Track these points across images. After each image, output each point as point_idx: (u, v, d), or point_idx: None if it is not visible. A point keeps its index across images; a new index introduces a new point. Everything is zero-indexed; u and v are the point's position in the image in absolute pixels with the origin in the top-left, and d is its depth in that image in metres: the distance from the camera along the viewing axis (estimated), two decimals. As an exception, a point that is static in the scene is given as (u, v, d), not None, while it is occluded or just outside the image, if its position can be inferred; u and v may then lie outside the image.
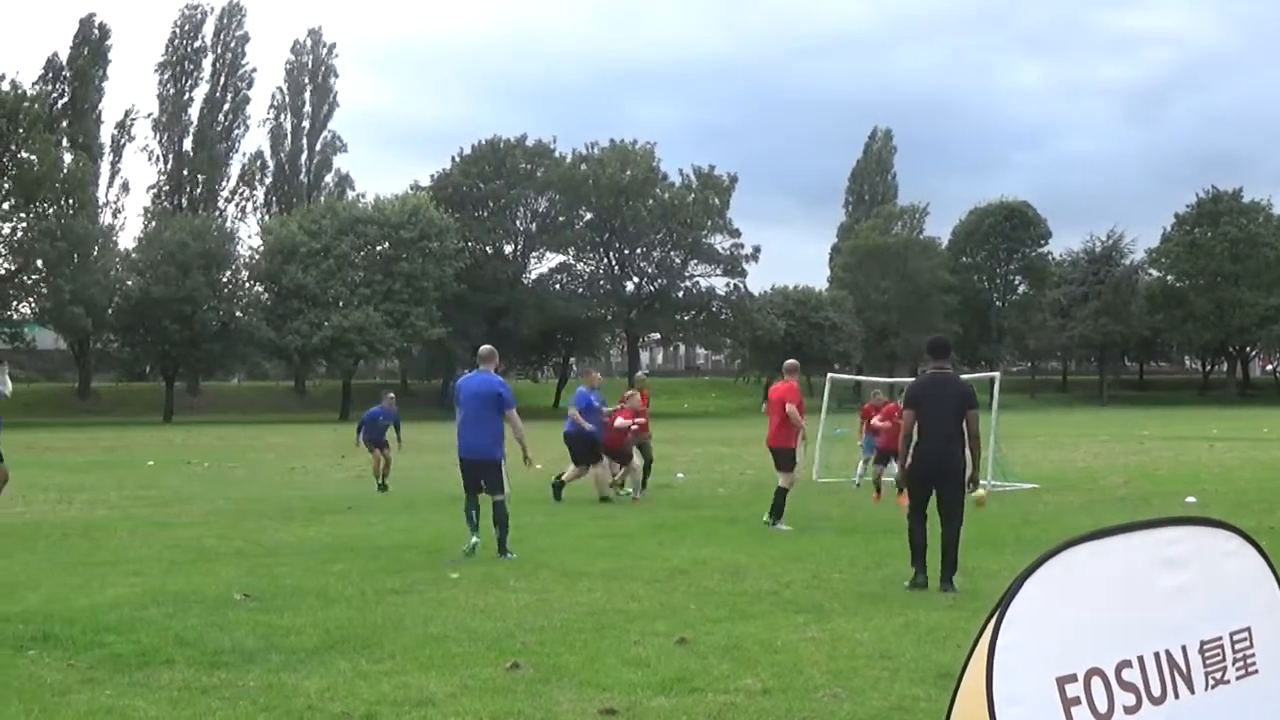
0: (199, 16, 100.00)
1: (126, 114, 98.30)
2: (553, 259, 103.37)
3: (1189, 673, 4.62)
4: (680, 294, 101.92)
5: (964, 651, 4.42)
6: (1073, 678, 4.29)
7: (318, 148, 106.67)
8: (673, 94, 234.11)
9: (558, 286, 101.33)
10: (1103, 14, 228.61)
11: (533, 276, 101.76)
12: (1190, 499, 20.82)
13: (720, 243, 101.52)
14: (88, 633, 9.82)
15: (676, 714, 7.47)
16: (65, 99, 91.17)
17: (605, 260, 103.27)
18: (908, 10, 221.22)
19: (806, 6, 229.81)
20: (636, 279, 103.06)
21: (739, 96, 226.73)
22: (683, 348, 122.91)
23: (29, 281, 78.73)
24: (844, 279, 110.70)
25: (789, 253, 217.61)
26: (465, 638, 9.69)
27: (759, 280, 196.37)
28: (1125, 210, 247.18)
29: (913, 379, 12.41)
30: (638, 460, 22.46)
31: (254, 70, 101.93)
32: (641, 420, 22.75)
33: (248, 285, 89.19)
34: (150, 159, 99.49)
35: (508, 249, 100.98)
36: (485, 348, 15.90)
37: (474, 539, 14.62)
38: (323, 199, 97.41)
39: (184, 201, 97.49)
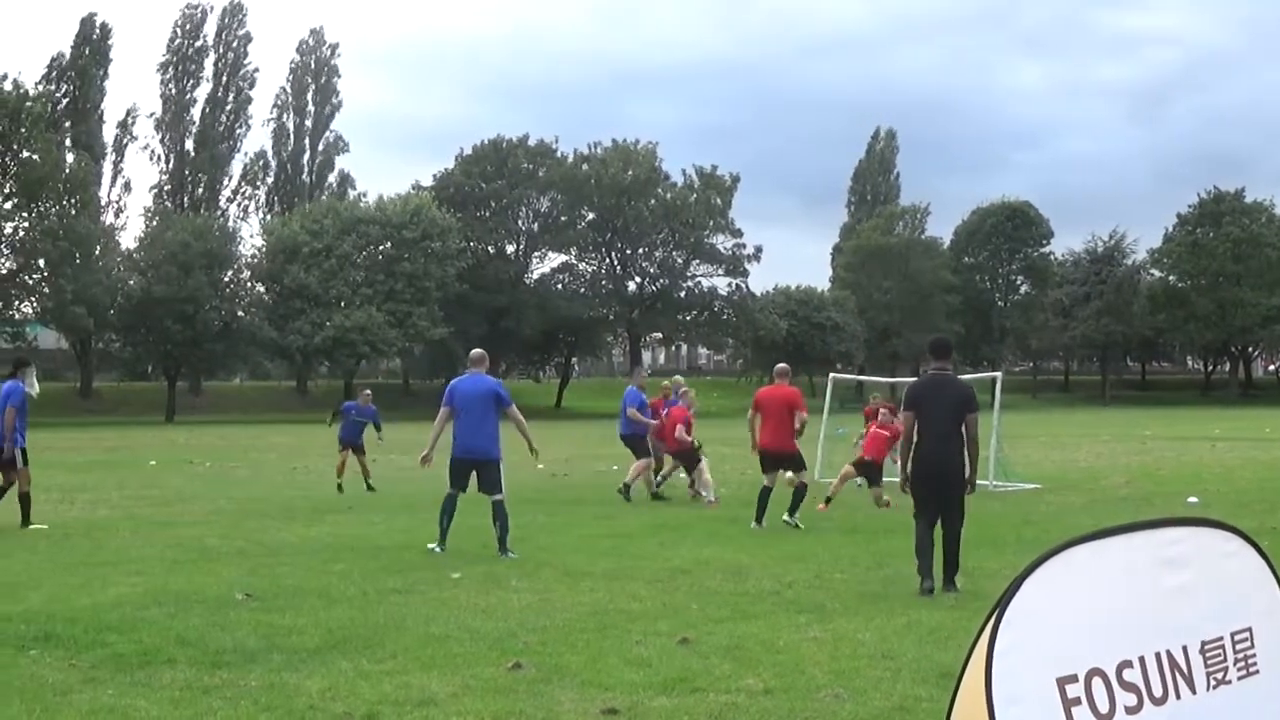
0: (199, 16, 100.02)
1: (128, 113, 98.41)
2: (555, 259, 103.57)
3: (1190, 673, 4.62)
4: (682, 294, 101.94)
5: (966, 652, 4.42)
6: (1073, 678, 4.29)
7: (320, 148, 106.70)
8: (675, 94, 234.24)
9: (560, 286, 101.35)
10: (1103, 14, 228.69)
11: (535, 276, 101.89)
12: (1192, 499, 20.82)
13: (722, 243, 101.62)
14: (89, 632, 9.82)
15: (678, 714, 7.48)
16: (67, 99, 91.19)
17: (607, 260, 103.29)
18: (909, 10, 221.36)
19: (808, 6, 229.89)
20: (638, 279, 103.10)
21: (741, 96, 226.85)
22: (685, 348, 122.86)
23: (31, 281, 78.74)
24: (846, 279, 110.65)
25: (791, 253, 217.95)
26: (467, 637, 9.69)
27: (761, 280, 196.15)
28: (1127, 210, 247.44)
29: (912, 379, 12.29)
30: (705, 463, 22.46)
31: (256, 70, 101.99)
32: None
33: (249, 285, 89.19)
34: (152, 159, 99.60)
35: (510, 249, 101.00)
36: (477, 351, 16.23)
37: (438, 548, 14.87)
38: (324, 199, 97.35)
39: (186, 201, 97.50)
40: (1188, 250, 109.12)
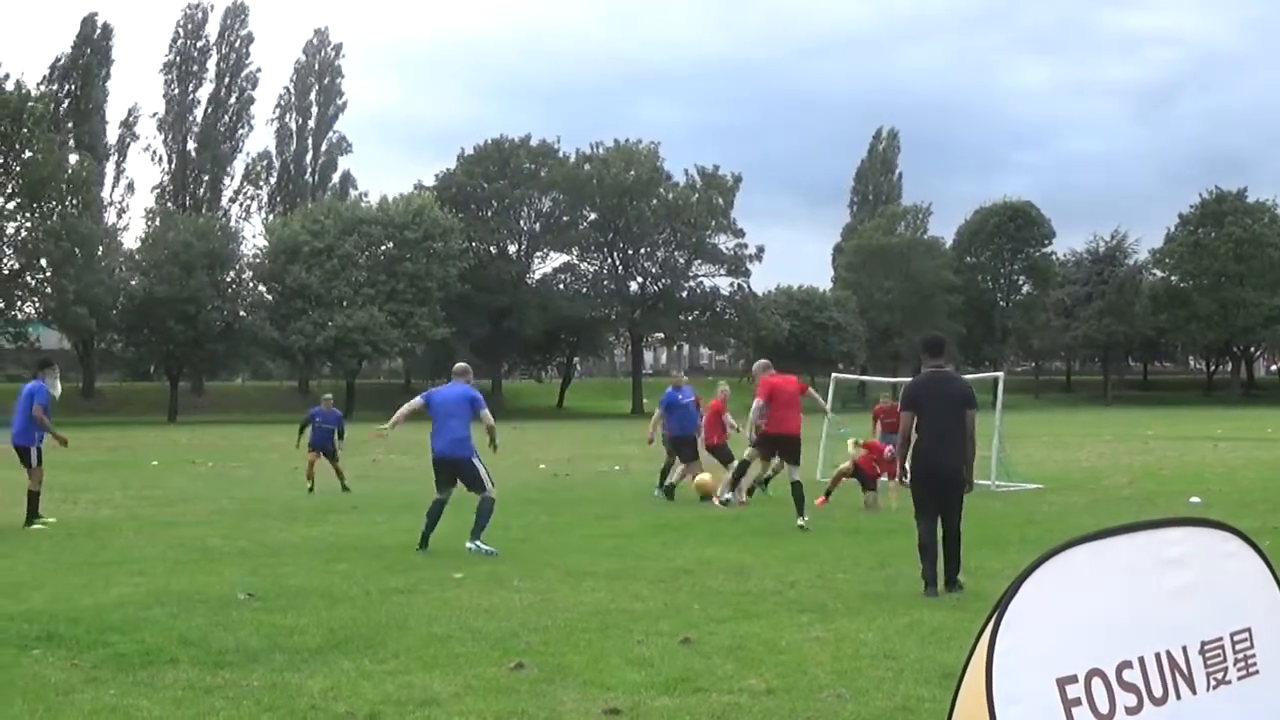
0: (201, 16, 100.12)
1: (130, 113, 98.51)
2: (557, 259, 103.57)
3: (1190, 673, 4.63)
4: (684, 294, 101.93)
5: (967, 652, 4.43)
6: (1073, 678, 4.30)
7: (323, 148, 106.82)
8: (678, 94, 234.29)
9: (561, 286, 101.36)
10: (1107, 14, 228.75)
11: (537, 276, 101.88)
12: (1194, 499, 20.81)
13: (724, 243, 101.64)
14: (92, 632, 9.83)
15: (680, 714, 7.48)
16: (69, 99, 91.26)
17: (609, 260, 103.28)
18: (913, 10, 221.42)
19: (812, 6, 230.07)
20: (640, 279, 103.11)
21: (744, 97, 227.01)
22: (687, 348, 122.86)
23: (33, 281, 78.77)
24: (848, 279, 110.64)
25: (793, 253, 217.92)
26: (469, 637, 9.70)
27: (763, 280, 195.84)
28: (1130, 210, 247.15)
29: (908, 379, 12.20)
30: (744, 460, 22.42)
31: (259, 71, 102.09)
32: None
33: (251, 285, 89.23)
34: (154, 159, 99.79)
35: (512, 249, 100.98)
36: (460, 365, 16.55)
37: (420, 549, 15.01)
38: (326, 199, 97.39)
39: (188, 201, 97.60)
40: (1190, 250, 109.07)
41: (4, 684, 8.21)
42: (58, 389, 19.19)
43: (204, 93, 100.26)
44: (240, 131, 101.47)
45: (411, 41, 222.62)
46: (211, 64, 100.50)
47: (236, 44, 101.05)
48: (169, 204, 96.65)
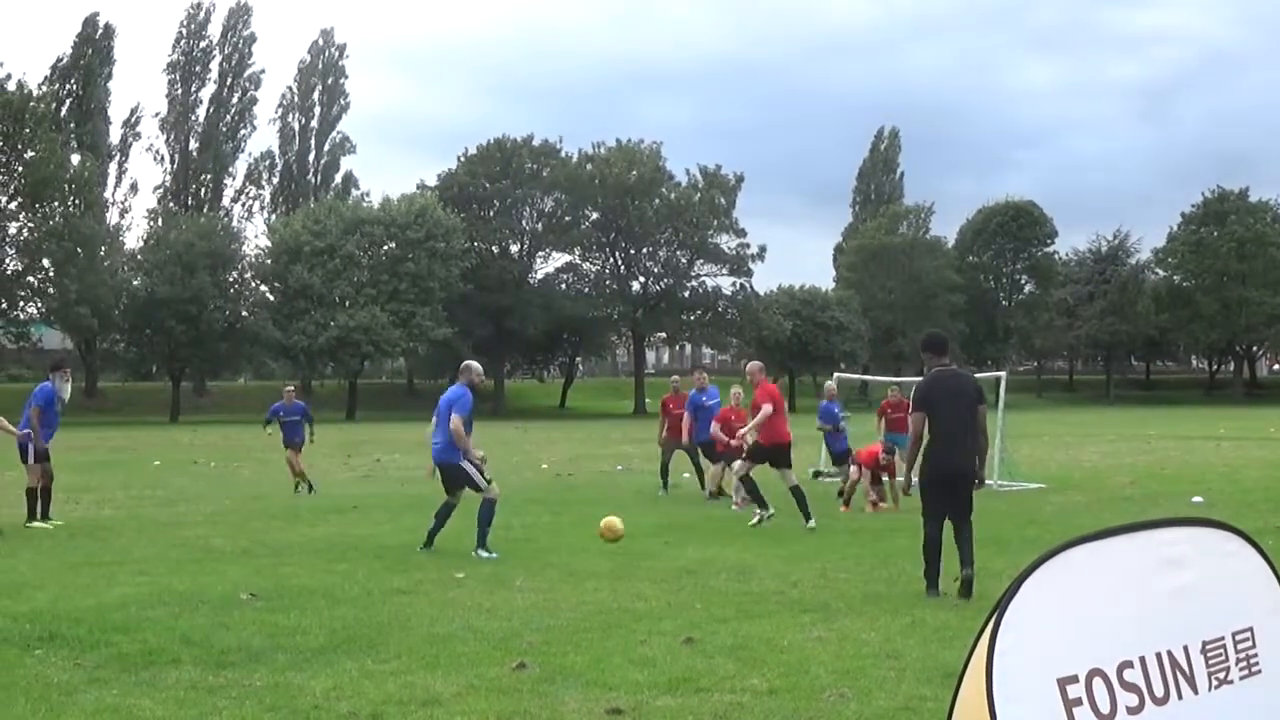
0: (203, 16, 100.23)
1: (133, 113, 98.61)
2: (559, 259, 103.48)
3: (1192, 673, 4.63)
4: (686, 294, 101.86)
5: (967, 651, 4.43)
6: (1074, 678, 4.30)
7: (326, 148, 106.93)
8: (681, 94, 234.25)
9: (563, 286, 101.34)
10: (1112, 13, 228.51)
11: (539, 276, 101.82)
12: (1197, 499, 20.80)
13: (726, 242, 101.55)
14: (94, 632, 9.85)
15: (683, 713, 7.49)
16: (71, 99, 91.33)
17: (611, 260, 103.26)
18: (917, 10, 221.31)
19: (816, 6, 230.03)
20: (642, 278, 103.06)
21: (748, 96, 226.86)
22: (689, 347, 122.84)
23: (36, 281, 78.83)
24: (850, 279, 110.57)
25: (795, 252, 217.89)
26: (471, 637, 9.71)
27: (765, 279, 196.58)
28: (1133, 209, 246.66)
29: (920, 378, 11.92)
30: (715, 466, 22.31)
31: (262, 71, 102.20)
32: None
33: (254, 285, 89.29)
34: (157, 159, 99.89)
35: (514, 249, 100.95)
36: (464, 363, 16.27)
37: (424, 547, 15.01)
38: (328, 199, 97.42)
39: (190, 202, 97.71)
40: (1192, 249, 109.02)
41: (7, 684, 8.22)
42: (67, 391, 19.22)
43: (206, 93, 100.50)
44: (243, 131, 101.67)
45: (414, 41, 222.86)
46: (214, 64, 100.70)
47: (239, 44, 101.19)
48: (171, 204, 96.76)
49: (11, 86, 76.01)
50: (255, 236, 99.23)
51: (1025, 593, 4.33)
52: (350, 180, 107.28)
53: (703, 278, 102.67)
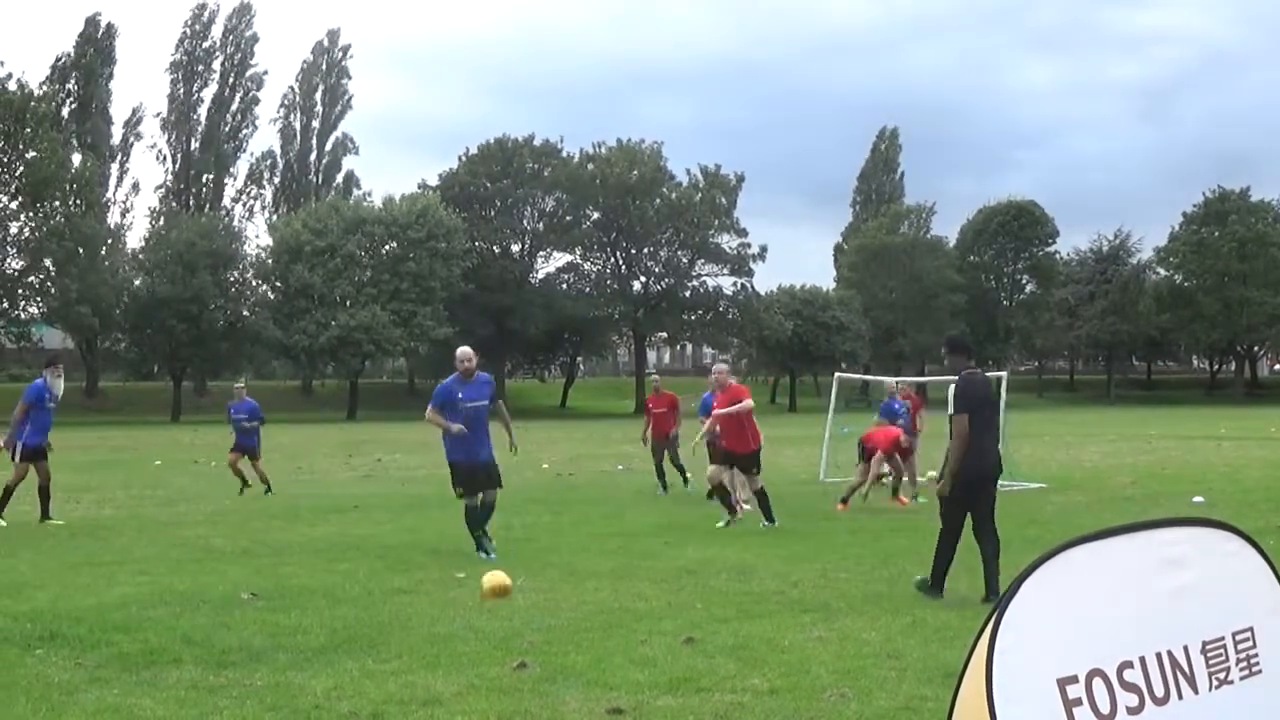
0: (208, 17, 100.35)
1: (134, 113, 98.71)
2: (560, 258, 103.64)
3: (1192, 673, 4.63)
4: (687, 293, 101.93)
5: (967, 651, 4.43)
6: (1074, 679, 4.30)
7: (328, 148, 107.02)
8: (681, 94, 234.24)
9: (565, 286, 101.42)
10: (1113, 13, 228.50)
11: (540, 276, 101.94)
12: (1198, 499, 20.78)
13: (727, 242, 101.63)
14: (95, 632, 9.85)
15: (683, 713, 7.48)
16: (73, 99, 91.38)
17: (612, 260, 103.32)
18: (918, 10, 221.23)
19: (817, 6, 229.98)
20: (643, 278, 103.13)
21: (749, 96, 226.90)
22: (690, 347, 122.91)
23: (37, 281, 78.87)
24: (851, 278, 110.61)
25: (796, 252, 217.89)
26: (472, 637, 9.70)
27: (766, 279, 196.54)
28: (1134, 209, 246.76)
29: (960, 380, 11.59)
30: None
31: (265, 72, 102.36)
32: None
33: (255, 285, 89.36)
34: (159, 159, 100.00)
35: (515, 248, 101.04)
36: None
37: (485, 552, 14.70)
38: (329, 199, 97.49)
39: (191, 201, 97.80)
40: (1193, 249, 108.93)
41: (8, 684, 8.22)
42: (59, 387, 19.23)
43: (208, 93, 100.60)
44: (244, 131, 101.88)
45: (415, 41, 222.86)
46: (217, 64, 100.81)
47: (241, 44, 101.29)
48: (173, 204, 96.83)
49: (13, 86, 76.04)
50: (256, 236, 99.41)
51: (1025, 593, 4.33)
52: (352, 180, 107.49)
53: (704, 277, 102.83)
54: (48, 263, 77.09)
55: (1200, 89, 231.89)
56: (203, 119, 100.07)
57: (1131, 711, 4.39)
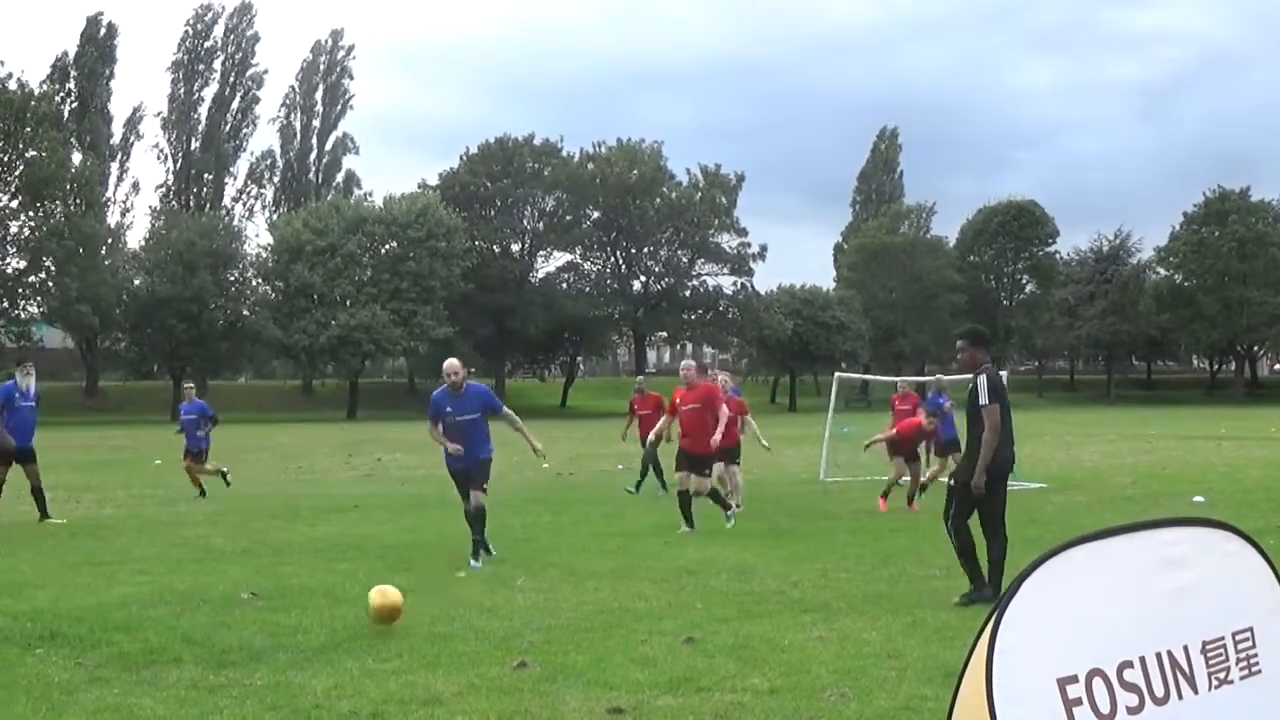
0: (211, 17, 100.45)
1: (135, 112, 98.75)
2: (560, 258, 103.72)
3: (1192, 673, 4.63)
4: (687, 293, 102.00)
5: (967, 651, 4.43)
6: (1074, 678, 4.30)
7: (328, 147, 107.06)
8: (681, 94, 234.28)
9: (565, 285, 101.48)
10: (1113, 13, 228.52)
11: (540, 275, 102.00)
12: (1198, 499, 20.78)
13: (727, 242, 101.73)
14: (95, 631, 9.85)
15: (683, 713, 7.48)
16: (74, 98, 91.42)
17: (612, 259, 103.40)
18: (918, 10, 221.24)
19: (817, 6, 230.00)
20: (643, 278, 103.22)
21: (749, 96, 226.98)
22: (690, 347, 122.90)
23: (37, 280, 78.90)
24: (851, 278, 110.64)
25: (796, 252, 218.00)
26: (472, 636, 9.70)
27: (766, 279, 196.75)
28: (1134, 209, 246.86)
29: (988, 371, 11.51)
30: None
31: (265, 71, 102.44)
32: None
33: (255, 284, 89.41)
34: (159, 158, 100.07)
35: (515, 248, 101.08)
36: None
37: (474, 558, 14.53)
38: (329, 198, 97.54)
39: (191, 201, 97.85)
40: (1193, 249, 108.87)
41: (8, 683, 8.23)
42: (30, 384, 19.06)
43: (209, 92, 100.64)
44: (244, 131, 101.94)
45: (415, 41, 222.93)
46: (217, 63, 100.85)
47: (242, 44, 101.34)
48: (173, 203, 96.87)
49: (13, 85, 76.06)
50: (256, 235, 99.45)
51: (1025, 592, 4.33)
52: (352, 180, 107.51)
53: (704, 277, 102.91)
54: (48, 262, 77.13)
55: (1200, 89, 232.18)
56: (203, 118, 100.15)
57: (1131, 711, 4.39)
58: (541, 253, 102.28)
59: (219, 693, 7.98)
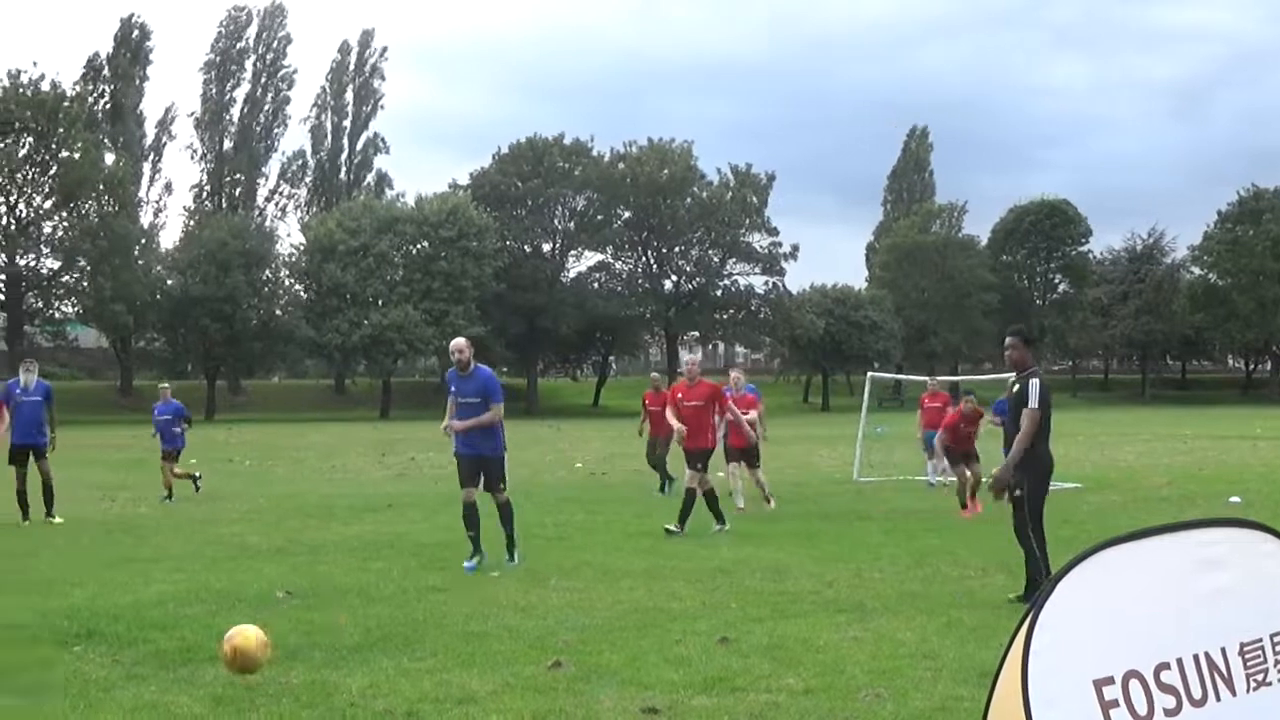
0: (244, 19, 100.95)
1: (167, 112, 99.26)
2: (591, 258, 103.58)
3: (1230, 675, 4.62)
4: (719, 292, 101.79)
5: (1002, 652, 4.43)
6: (1110, 680, 4.29)
7: (359, 147, 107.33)
8: (713, 93, 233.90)
9: (596, 285, 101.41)
10: (1141, 10, 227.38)
11: (571, 275, 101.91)
12: (1234, 499, 20.68)
13: (758, 241, 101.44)
14: (132, 629, 9.91)
15: (718, 713, 7.49)
16: (107, 99, 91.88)
17: (643, 259, 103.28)
18: (944, 8, 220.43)
19: (846, 5, 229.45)
20: (675, 277, 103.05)
21: (779, 95, 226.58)
22: (721, 346, 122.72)
23: (71, 280, 79.37)
24: (883, 277, 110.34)
25: (828, 251, 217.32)
26: (507, 635, 9.73)
27: (799, 278, 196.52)
28: (1167, 208, 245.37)
29: (1038, 376, 11.36)
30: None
31: (295, 71, 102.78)
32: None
33: (287, 284, 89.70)
34: (193, 158, 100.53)
35: (546, 248, 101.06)
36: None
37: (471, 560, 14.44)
38: (361, 198, 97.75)
39: (224, 201, 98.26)
40: (1227, 248, 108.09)
41: (45, 681, 8.29)
42: (30, 380, 19.10)
43: (241, 92, 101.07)
44: (276, 131, 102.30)
45: (445, 40, 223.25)
46: (249, 64, 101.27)
47: (274, 44, 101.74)
48: (206, 203, 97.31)
49: (45, 86, 76.52)
50: (288, 235, 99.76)
51: (1061, 593, 4.32)
52: (383, 179, 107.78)
53: (735, 276, 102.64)
54: (82, 262, 77.56)
55: (1232, 87, 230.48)
56: (235, 119, 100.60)
57: (1169, 713, 4.38)
58: (573, 252, 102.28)
59: (255, 691, 8.02)
